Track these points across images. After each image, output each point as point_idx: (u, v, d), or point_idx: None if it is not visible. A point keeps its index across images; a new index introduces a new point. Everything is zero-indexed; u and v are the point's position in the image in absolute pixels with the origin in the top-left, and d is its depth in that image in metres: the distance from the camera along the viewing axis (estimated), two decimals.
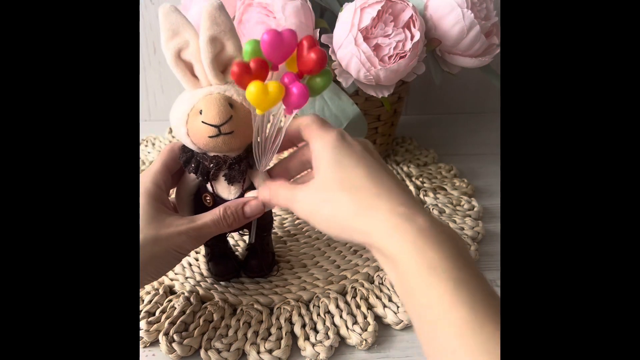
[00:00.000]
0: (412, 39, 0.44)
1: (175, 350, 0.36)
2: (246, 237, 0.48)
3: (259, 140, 0.34)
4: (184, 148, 0.37)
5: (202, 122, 0.33)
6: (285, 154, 0.41)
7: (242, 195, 0.37)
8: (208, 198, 0.37)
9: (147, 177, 0.36)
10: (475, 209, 0.52)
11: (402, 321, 0.38)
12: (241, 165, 0.35)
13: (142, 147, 0.65)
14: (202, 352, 0.36)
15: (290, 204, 0.33)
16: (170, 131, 0.69)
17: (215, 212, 0.35)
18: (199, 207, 0.38)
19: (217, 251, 0.42)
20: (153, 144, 0.66)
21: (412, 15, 0.44)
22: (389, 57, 0.44)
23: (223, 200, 0.37)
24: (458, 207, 0.53)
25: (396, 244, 0.27)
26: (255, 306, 0.40)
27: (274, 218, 0.45)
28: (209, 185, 0.37)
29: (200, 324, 0.38)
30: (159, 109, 0.75)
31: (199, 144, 0.34)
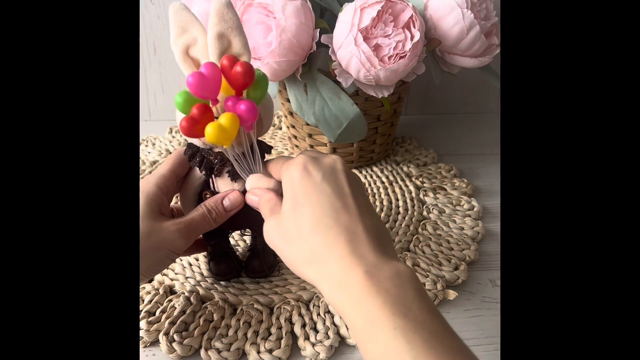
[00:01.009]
0: (412, 39, 0.44)
1: (176, 350, 0.36)
2: (246, 238, 0.48)
3: (244, 157, 0.35)
4: (189, 144, 0.37)
5: None
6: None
7: (243, 192, 0.37)
8: (208, 195, 0.38)
9: (152, 178, 0.37)
10: (475, 209, 0.52)
11: None
12: (245, 162, 0.36)
13: (142, 147, 0.65)
14: (202, 352, 0.36)
15: (265, 225, 0.33)
16: (171, 131, 0.69)
17: (200, 208, 0.36)
18: None
19: (219, 251, 0.42)
20: (153, 144, 0.66)
21: (412, 15, 0.44)
22: (389, 57, 0.44)
23: None
24: (458, 207, 0.53)
25: (340, 300, 0.27)
26: (256, 306, 0.40)
27: None
28: (211, 184, 0.37)
29: (201, 323, 0.38)
30: (159, 109, 0.75)
31: (204, 137, 0.34)
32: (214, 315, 0.39)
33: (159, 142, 0.67)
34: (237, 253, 0.45)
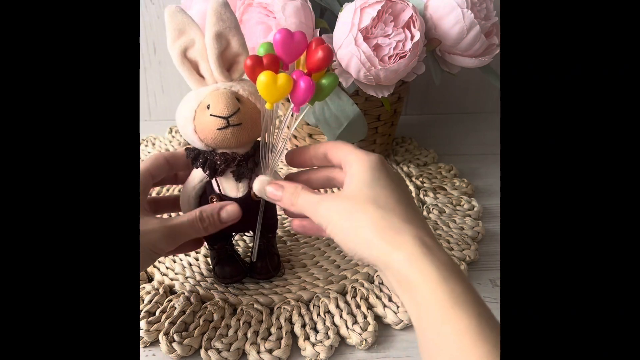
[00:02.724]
0: (412, 39, 0.44)
1: (176, 350, 0.36)
2: (246, 238, 0.48)
3: (266, 140, 0.35)
4: (189, 148, 0.37)
5: (211, 115, 0.33)
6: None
7: (249, 193, 0.37)
8: (215, 199, 0.37)
9: None
10: (475, 209, 0.52)
11: (402, 321, 0.38)
12: (249, 163, 0.36)
13: (142, 147, 0.65)
14: (202, 352, 0.36)
15: (313, 209, 0.32)
16: (171, 131, 0.69)
17: (193, 214, 0.35)
18: None
19: (224, 254, 0.42)
20: (153, 144, 0.66)
21: (412, 15, 0.44)
22: (389, 57, 0.44)
23: (230, 199, 0.37)
24: (458, 207, 0.53)
25: (418, 272, 0.26)
26: (256, 306, 0.40)
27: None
28: (215, 186, 0.37)
29: (201, 323, 0.38)
30: (159, 109, 0.75)
31: (207, 139, 0.34)
32: (214, 315, 0.39)
33: (159, 142, 0.67)
34: (242, 256, 0.44)
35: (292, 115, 0.33)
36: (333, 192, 0.32)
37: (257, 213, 0.38)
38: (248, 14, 0.46)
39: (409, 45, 0.44)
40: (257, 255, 0.41)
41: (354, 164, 0.32)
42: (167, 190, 0.57)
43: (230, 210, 0.36)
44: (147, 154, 0.64)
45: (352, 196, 0.30)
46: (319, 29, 0.46)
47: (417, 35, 0.44)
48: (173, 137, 0.68)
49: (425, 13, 0.47)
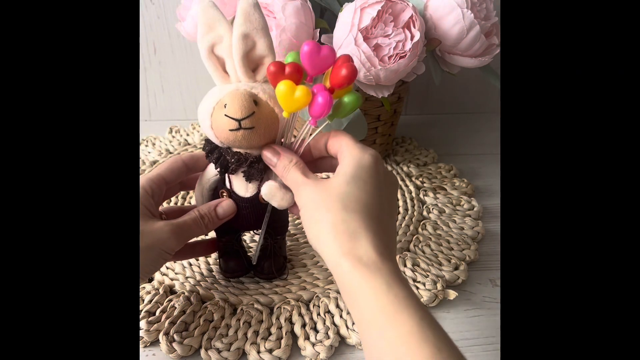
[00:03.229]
0: (412, 39, 0.44)
1: (176, 350, 0.36)
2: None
3: (282, 142, 0.35)
4: (208, 140, 0.37)
5: (225, 115, 0.33)
6: None
7: (257, 194, 0.37)
8: (225, 194, 0.38)
9: (139, 181, 0.37)
10: (475, 209, 0.52)
11: None
12: (260, 164, 0.36)
13: (142, 147, 0.65)
14: (202, 351, 0.36)
15: (295, 189, 0.33)
16: (171, 131, 0.69)
17: (193, 213, 0.37)
18: None
19: (230, 248, 0.42)
20: (153, 144, 0.66)
21: (412, 15, 0.44)
22: (389, 57, 0.44)
23: (238, 197, 0.37)
24: (458, 207, 0.53)
25: (363, 280, 0.27)
26: (256, 306, 0.40)
27: None
28: (226, 182, 0.38)
29: (201, 323, 0.38)
30: (159, 109, 0.75)
31: (220, 137, 0.34)
32: (214, 315, 0.39)
33: (159, 142, 0.67)
34: (249, 254, 0.44)
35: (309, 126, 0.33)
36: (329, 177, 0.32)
37: (262, 216, 0.38)
38: None
39: (409, 45, 0.44)
40: (261, 255, 0.41)
41: (345, 158, 0.32)
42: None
43: (225, 205, 0.37)
44: (147, 154, 0.64)
45: (328, 189, 0.31)
46: (319, 29, 0.46)
47: (417, 35, 0.44)
48: (173, 137, 0.68)
49: (425, 13, 0.47)
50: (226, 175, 0.38)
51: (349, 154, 0.32)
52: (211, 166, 0.38)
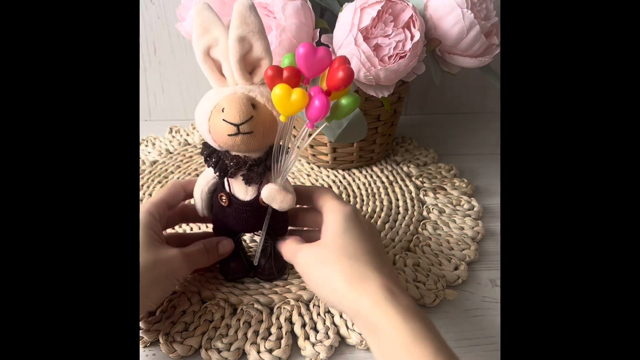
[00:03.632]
0: (412, 39, 0.44)
1: (176, 350, 0.36)
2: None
3: (280, 144, 0.35)
4: (206, 144, 0.37)
5: (223, 119, 0.33)
6: None
7: (257, 197, 0.37)
8: (224, 197, 0.38)
9: (144, 207, 0.38)
10: (475, 209, 0.52)
11: None
12: (260, 168, 0.36)
13: (142, 147, 0.65)
14: (202, 351, 0.36)
15: (293, 258, 0.37)
16: (171, 131, 0.69)
17: (199, 245, 0.39)
18: (218, 205, 0.39)
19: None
20: (153, 144, 0.66)
21: (412, 15, 0.44)
22: (389, 57, 0.44)
23: (238, 201, 0.37)
24: (458, 207, 0.53)
25: (383, 315, 0.29)
26: (256, 306, 0.40)
27: None
28: (226, 185, 0.37)
29: (201, 323, 0.38)
30: (159, 109, 0.75)
31: (218, 141, 0.34)
32: (214, 315, 0.39)
33: (159, 142, 0.67)
34: (249, 253, 0.44)
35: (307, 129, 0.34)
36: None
37: (261, 218, 0.38)
38: None
39: (409, 45, 0.44)
40: (262, 255, 0.41)
41: (330, 214, 0.36)
42: None
43: (226, 244, 0.40)
44: (147, 154, 0.64)
45: (325, 245, 0.34)
46: (319, 29, 0.46)
47: (417, 35, 0.44)
48: (173, 137, 0.68)
49: (425, 13, 0.47)
50: (225, 178, 0.37)
51: (333, 209, 0.36)
52: (209, 170, 0.38)
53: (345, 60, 0.32)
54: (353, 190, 0.56)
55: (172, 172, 0.59)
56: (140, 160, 0.62)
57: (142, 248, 0.35)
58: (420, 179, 0.58)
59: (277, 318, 0.39)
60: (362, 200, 0.54)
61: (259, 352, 0.36)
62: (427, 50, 0.48)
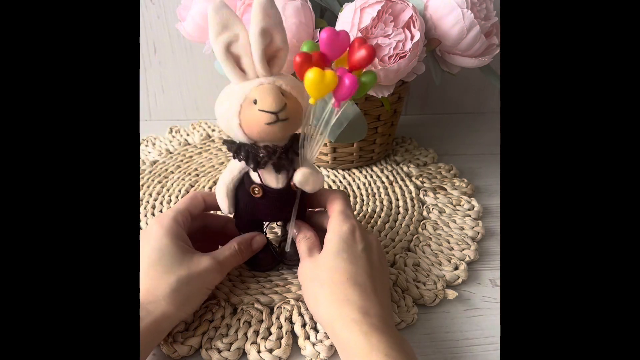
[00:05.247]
0: (412, 39, 0.44)
1: (176, 350, 0.36)
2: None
3: (305, 132, 0.36)
4: (228, 141, 0.37)
5: (260, 110, 0.34)
6: None
7: (288, 183, 0.38)
8: (257, 189, 0.38)
9: (168, 215, 0.38)
10: (475, 209, 0.52)
11: (401, 321, 0.39)
12: (289, 154, 0.37)
13: (142, 147, 0.65)
14: (202, 351, 0.36)
15: (301, 264, 0.39)
16: (171, 131, 0.69)
17: (232, 247, 0.39)
18: (247, 199, 0.39)
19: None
20: (153, 144, 0.66)
21: (412, 15, 0.44)
22: (389, 57, 0.44)
23: (271, 190, 0.38)
24: (458, 207, 0.53)
25: (349, 333, 0.32)
26: (256, 305, 0.40)
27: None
28: (256, 177, 0.38)
29: (201, 323, 0.38)
30: (159, 109, 0.75)
31: (252, 133, 0.35)
32: (215, 314, 0.39)
33: (159, 142, 0.67)
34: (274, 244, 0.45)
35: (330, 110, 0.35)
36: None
37: (291, 204, 0.39)
38: (248, 14, 0.46)
39: (409, 45, 0.44)
40: (285, 242, 0.42)
41: (330, 232, 0.38)
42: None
43: (259, 240, 0.41)
44: (147, 154, 0.64)
45: (320, 264, 0.36)
46: (319, 29, 0.46)
47: (417, 35, 0.44)
48: (173, 137, 0.68)
49: (425, 13, 0.47)
50: (257, 170, 0.38)
51: (334, 226, 0.38)
52: (234, 165, 0.38)
53: (364, 40, 0.33)
54: (353, 190, 0.56)
55: (172, 172, 0.59)
56: (141, 160, 0.62)
57: (175, 262, 0.35)
58: (420, 179, 0.58)
59: (278, 318, 0.39)
60: (362, 200, 0.54)
61: (259, 351, 0.36)
62: (427, 50, 0.48)
